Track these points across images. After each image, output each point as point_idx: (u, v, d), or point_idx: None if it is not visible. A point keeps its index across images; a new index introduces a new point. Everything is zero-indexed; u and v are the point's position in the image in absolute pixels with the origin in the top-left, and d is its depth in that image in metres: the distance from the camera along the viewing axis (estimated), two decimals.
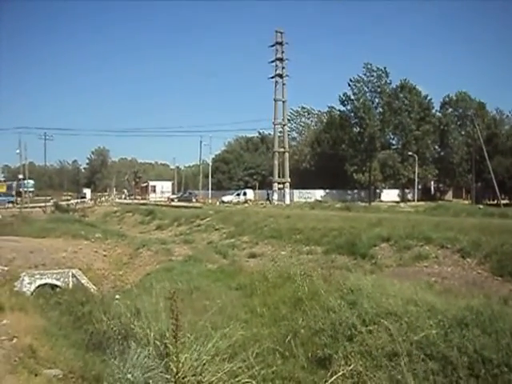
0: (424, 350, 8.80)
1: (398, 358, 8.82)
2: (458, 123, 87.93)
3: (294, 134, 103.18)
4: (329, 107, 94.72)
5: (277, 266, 16.60)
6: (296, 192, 78.25)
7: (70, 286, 21.23)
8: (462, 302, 10.76)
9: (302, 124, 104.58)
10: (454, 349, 8.55)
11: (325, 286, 12.42)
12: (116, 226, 49.25)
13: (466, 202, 73.32)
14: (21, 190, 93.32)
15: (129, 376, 8.58)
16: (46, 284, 20.66)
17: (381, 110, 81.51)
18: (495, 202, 62.56)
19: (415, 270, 18.58)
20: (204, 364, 9.24)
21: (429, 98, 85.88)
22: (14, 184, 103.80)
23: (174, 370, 8.19)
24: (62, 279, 21.37)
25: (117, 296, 17.94)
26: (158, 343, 9.67)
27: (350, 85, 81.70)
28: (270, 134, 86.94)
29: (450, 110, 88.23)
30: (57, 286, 20.92)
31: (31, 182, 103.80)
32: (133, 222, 50.49)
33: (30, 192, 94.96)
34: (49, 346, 10.57)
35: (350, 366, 8.90)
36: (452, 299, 11.65)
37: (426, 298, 10.92)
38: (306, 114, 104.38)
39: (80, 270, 22.49)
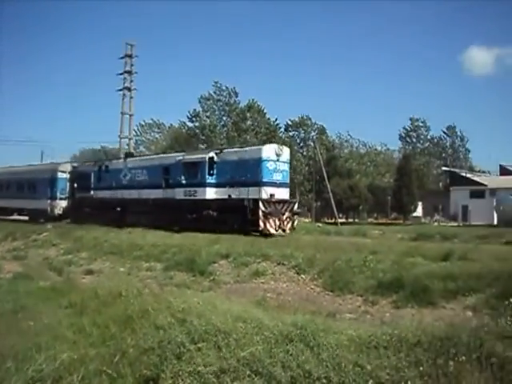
0: (250, 366, 8.82)
1: (225, 375, 8.80)
2: (301, 145, 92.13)
3: (142, 148, 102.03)
4: (179, 122, 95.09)
5: (112, 283, 15.99)
6: None
7: None
8: (291, 318, 11.00)
9: (150, 138, 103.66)
10: (278, 364, 8.67)
11: (156, 304, 12.15)
12: None
13: (307, 220, 76.51)
14: None
15: None
16: None
17: (228, 128, 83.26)
18: (333, 220, 65.75)
19: (252, 286, 18.86)
20: None
21: (275, 120, 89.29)
22: None
23: None
24: None
25: None
26: None
27: (200, 101, 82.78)
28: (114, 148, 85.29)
29: (293, 132, 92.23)
30: None
31: None
32: None
33: None
34: None
35: None
36: (283, 315, 11.88)
37: (256, 314, 11.03)
38: (154, 127, 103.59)
39: None
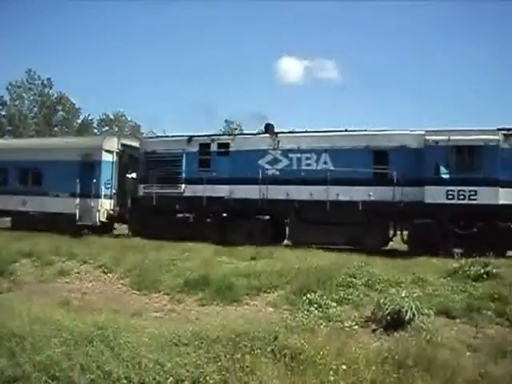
0: (47, 370, 8.50)
1: (19, 383, 8.40)
2: None
3: None
4: None
5: None
6: None
7: None
8: (93, 318, 10.77)
9: None
10: (77, 367, 8.45)
11: None
12: None
13: None
14: None
15: None
16: None
17: (39, 120, 78.99)
18: None
19: (56, 286, 18.11)
20: None
21: (88, 115, 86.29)
22: None
23: None
24: None
25: None
26: None
27: (8, 89, 77.29)
28: None
29: (106, 128, 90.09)
30: None
31: None
32: None
33: None
34: None
35: None
36: (85, 315, 11.59)
37: (56, 315, 10.65)
38: None
39: None
